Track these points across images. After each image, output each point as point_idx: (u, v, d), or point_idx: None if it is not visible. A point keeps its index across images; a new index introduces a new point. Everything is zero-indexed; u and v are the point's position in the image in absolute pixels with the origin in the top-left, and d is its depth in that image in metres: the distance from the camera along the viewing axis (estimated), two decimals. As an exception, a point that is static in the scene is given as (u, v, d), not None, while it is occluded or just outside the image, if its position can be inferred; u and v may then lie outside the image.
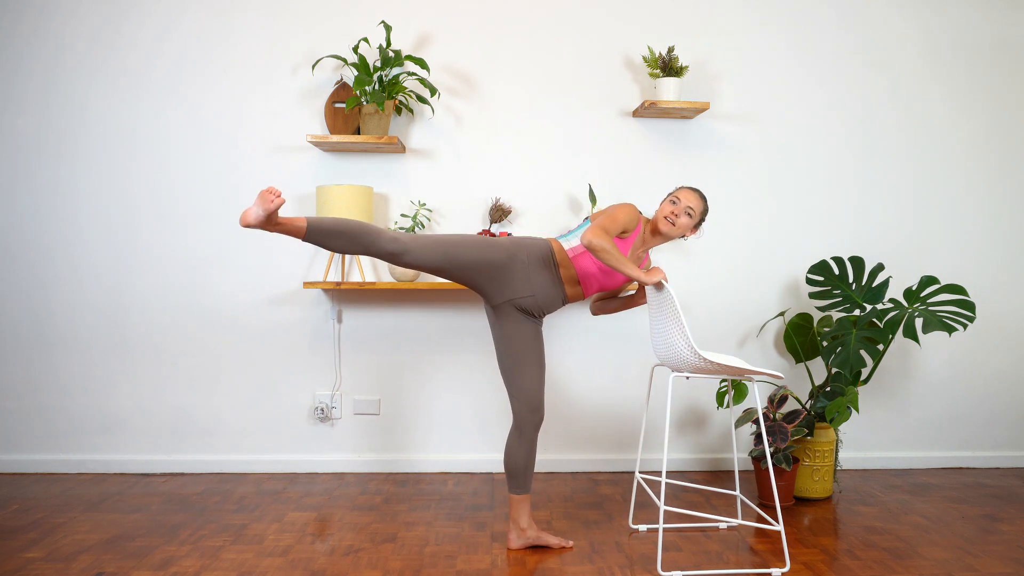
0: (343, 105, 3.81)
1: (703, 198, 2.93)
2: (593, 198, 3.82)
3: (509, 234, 3.79)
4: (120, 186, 3.89)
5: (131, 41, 3.86)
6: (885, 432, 4.15)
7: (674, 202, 2.89)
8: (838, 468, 3.83)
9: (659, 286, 2.78)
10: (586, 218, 2.94)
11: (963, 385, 4.17)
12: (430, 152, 3.94)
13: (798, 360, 3.88)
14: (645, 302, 3.04)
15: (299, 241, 3.91)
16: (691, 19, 3.98)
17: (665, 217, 2.89)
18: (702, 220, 2.96)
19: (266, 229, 2.57)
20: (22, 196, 3.87)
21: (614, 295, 3.15)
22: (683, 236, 2.94)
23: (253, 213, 2.50)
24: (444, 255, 2.75)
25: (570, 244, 2.89)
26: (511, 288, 2.84)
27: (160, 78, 3.87)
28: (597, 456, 4.04)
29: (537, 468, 3.96)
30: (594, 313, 3.19)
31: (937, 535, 3.15)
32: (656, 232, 2.93)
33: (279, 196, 2.48)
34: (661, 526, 2.74)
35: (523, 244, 2.88)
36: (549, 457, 4.00)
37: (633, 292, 3.11)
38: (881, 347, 3.66)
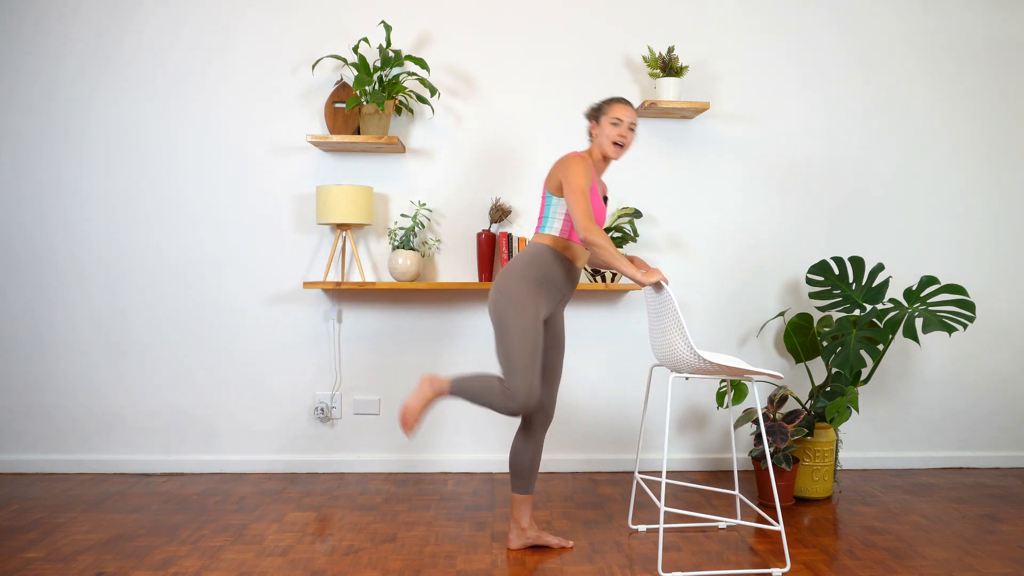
0: (343, 105, 3.81)
1: (632, 104, 2.89)
2: (593, 198, 3.82)
3: (509, 234, 3.79)
4: (120, 186, 3.89)
5: (133, 42, 3.86)
6: (885, 432, 4.15)
7: (616, 123, 2.82)
8: (838, 468, 3.83)
9: (658, 287, 2.77)
10: (547, 193, 2.85)
11: (963, 385, 4.17)
12: (430, 152, 3.94)
13: (798, 360, 3.88)
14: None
15: (299, 242, 3.92)
16: (691, 20, 3.99)
17: (615, 143, 2.83)
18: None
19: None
20: (24, 197, 3.87)
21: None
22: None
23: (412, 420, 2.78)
24: (533, 358, 2.72)
25: (556, 227, 2.83)
26: (551, 303, 2.85)
27: (161, 78, 3.87)
28: (597, 456, 4.04)
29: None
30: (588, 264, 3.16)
31: (937, 535, 3.15)
32: (605, 159, 2.89)
33: (410, 429, 2.79)
34: (661, 526, 2.74)
35: (527, 263, 2.81)
36: (549, 457, 4.00)
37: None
38: (881, 347, 3.66)
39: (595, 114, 2.88)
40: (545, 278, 2.80)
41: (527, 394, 2.68)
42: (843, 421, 3.53)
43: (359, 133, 3.82)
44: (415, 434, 2.90)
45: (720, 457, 4.07)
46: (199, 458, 3.95)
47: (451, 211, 3.95)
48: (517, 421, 3.97)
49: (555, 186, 2.83)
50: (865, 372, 3.89)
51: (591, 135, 2.91)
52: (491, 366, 3.96)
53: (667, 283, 2.75)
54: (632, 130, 2.85)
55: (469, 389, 2.77)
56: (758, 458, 3.51)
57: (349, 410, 3.98)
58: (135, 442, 3.94)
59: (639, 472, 3.97)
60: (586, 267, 3.81)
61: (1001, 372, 4.18)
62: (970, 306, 3.54)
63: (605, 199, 3.00)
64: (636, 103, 3.96)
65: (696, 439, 4.08)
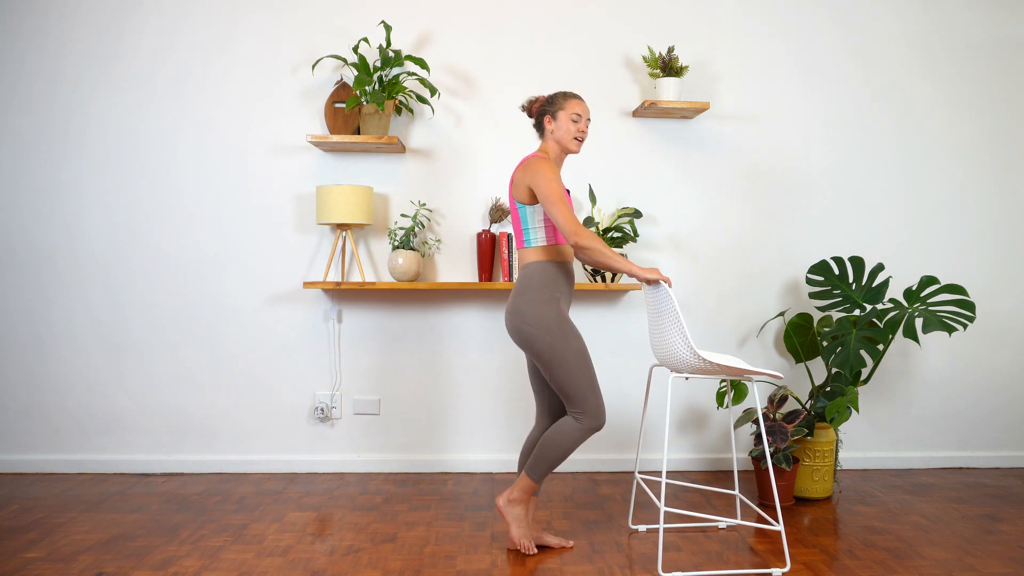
0: (343, 105, 3.81)
1: (583, 98, 2.89)
2: (593, 198, 3.82)
3: (509, 234, 3.79)
4: (121, 186, 3.89)
5: (133, 42, 3.86)
6: (885, 432, 4.15)
7: (575, 119, 2.81)
8: (838, 468, 3.83)
9: (655, 283, 2.77)
10: (519, 205, 2.80)
11: (963, 385, 4.17)
12: (430, 152, 3.94)
13: (798, 360, 3.88)
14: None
15: (299, 242, 3.92)
16: (691, 20, 3.99)
17: (576, 139, 2.83)
18: None
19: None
20: (24, 197, 3.87)
21: None
22: None
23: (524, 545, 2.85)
24: (591, 383, 2.76)
25: (540, 238, 2.81)
26: (568, 306, 2.88)
27: (161, 78, 3.87)
28: (597, 456, 4.04)
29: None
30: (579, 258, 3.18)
31: (937, 535, 3.15)
32: (566, 152, 2.88)
33: (534, 546, 2.87)
34: (661, 526, 2.74)
35: (540, 285, 2.79)
36: (549, 457, 4.00)
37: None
38: (881, 347, 3.66)
39: (549, 108, 2.84)
40: (558, 290, 2.81)
41: (600, 408, 2.76)
42: (843, 421, 3.53)
43: (359, 133, 3.82)
44: (536, 543, 2.96)
45: (720, 457, 4.07)
46: (199, 458, 3.95)
47: (451, 211, 3.95)
48: (517, 421, 3.97)
49: (524, 194, 2.78)
50: (865, 372, 3.89)
51: (544, 130, 2.86)
52: (492, 366, 3.96)
53: (668, 283, 2.73)
54: (589, 121, 2.86)
55: (550, 459, 2.80)
56: (758, 458, 3.51)
57: (349, 410, 3.98)
58: (135, 442, 3.94)
59: (639, 472, 3.97)
60: (585, 267, 3.81)
61: (1001, 372, 4.18)
62: (970, 306, 3.54)
63: (567, 191, 2.97)
64: (636, 103, 3.97)
65: (696, 439, 4.08)
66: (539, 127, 2.89)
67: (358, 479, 3.86)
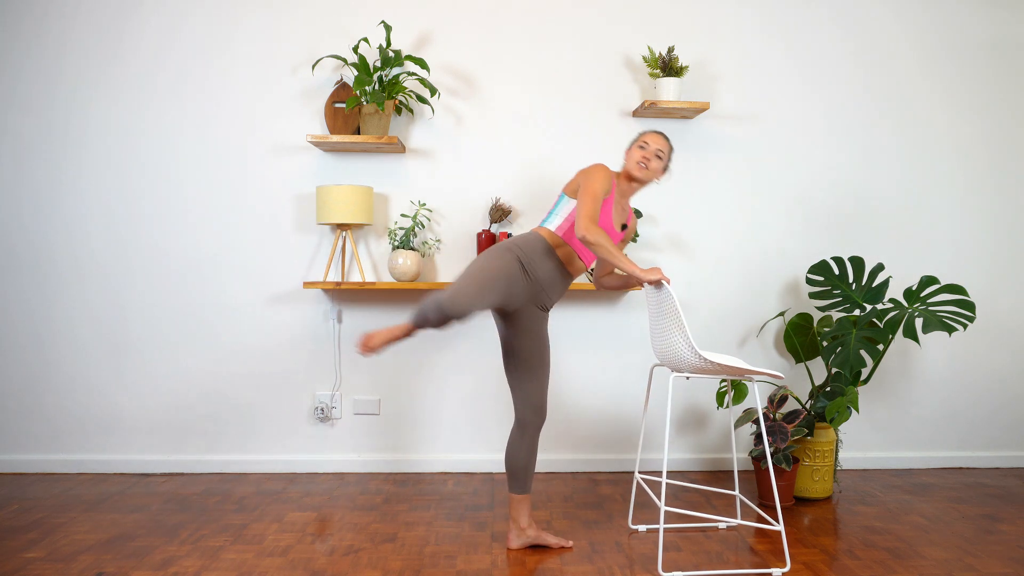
0: (343, 105, 3.81)
1: (668, 139, 2.96)
2: (593, 198, 3.81)
3: (509, 234, 3.79)
4: (121, 186, 3.89)
5: (133, 42, 3.86)
6: (885, 432, 4.15)
7: (643, 147, 2.91)
8: (838, 468, 3.83)
9: (657, 285, 2.77)
10: (561, 195, 2.91)
11: (963, 385, 4.17)
12: (430, 152, 3.94)
13: (798, 360, 3.88)
14: (640, 286, 3.04)
15: (299, 242, 3.92)
16: (691, 20, 3.99)
17: (638, 163, 2.89)
18: (670, 161, 2.99)
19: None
20: (25, 196, 3.87)
21: (612, 269, 3.15)
22: (656, 179, 2.98)
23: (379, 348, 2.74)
24: (479, 286, 2.70)
25: (555, 224, 2.87)
26: (529, 290, 2.83)
27: (161, 78, 3.87)
28: (597, 456, 4.04)
29: (537, 468, 3.96)
30: (596, 287, 3.20)
31: (937, 535, 3.15)
32: (631, 179, 2.94)
33: (368, 349, 2.72)
34: (661, 526, 2.74)
35: (518, 244, 2.86)
36: (549, 457, 4.00)
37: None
38: (881, 347, 3.66)
39: (632, 143, 2.96)
40: (528, 260, 2.81)
41: (452, 299, 2.63)
42: (843, 421, 3.53)
43: (359, 133, 3.82)
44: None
45: (720, 457, 4.07)
46: (199, 458, 3.95)
47: (451, 211, 3.95)
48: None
49: (572, 189, 2.89)
50: (865, 372, 3.89)
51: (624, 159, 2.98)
52: (492, 366, 3.96)
53: (669, 283, 2.74)
54: (660, 157, 2.91)
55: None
56: (758, 458, 3.51)
57: (349, 410, 3.98)
58: (135, 442, 3.94)
59: (639, 472, 3.97)
60: (589, 276, 3.80)
61: (1001, 372, 4.18)
62: (970, 306, 3.54)
63: (624, 226, 3.02)
64: (636, 103, 3.96)
65: (696, 439, 4.08)
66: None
67: (358, 479, 3.86)
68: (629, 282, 3.09)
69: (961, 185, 4.12)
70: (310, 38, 3.89)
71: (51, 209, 3.88)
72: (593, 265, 3.24)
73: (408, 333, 2.75)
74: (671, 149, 2.97)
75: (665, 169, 2.97)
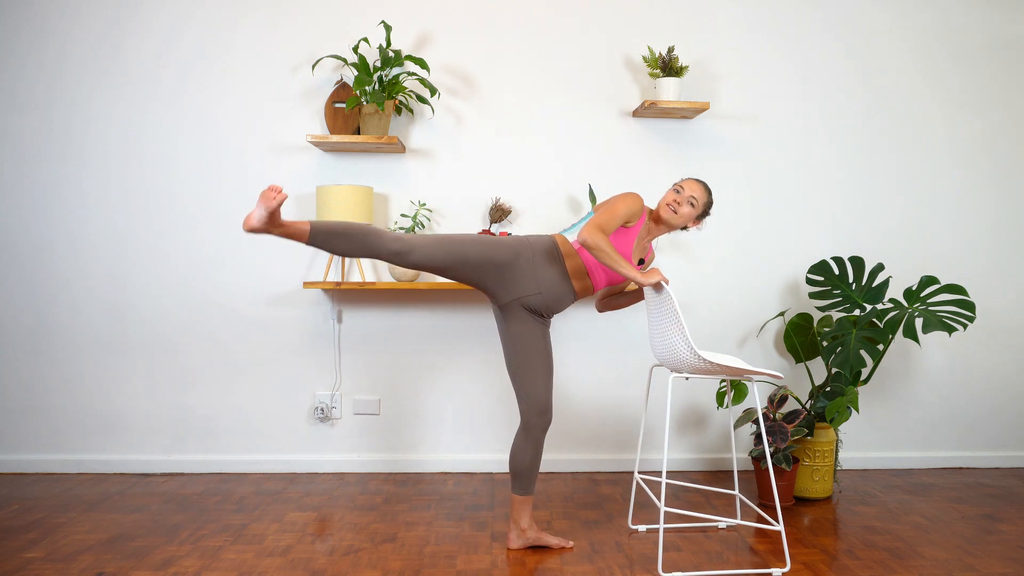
0: (343, 105, 3.81)
1: (708, 190, 2.91)
2: (593, 198, 3.82)
3: (509, 234, 3.79)
4: (121, 186, 3.89)
5: (134, 42, 3.86)
6: (885, 432, 4.15)
7: (678, 191, 2.87)
8: (838, 468, 3.83)
9: (657, 287, 2.77)
10: (589, 212, 2.93)
11: (963, 385, 4.17)
12: (430, 152, 3.94)
13: (798, 360, 3.88)
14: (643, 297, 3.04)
15: (301, 243, 3.91)
16: (691, 19, 3.99)
17: (667, 204, 2.87)
18: (706, 212, 2.93)
19: (270, 232, 2.58)
20: (25, 196, 3.87)
21: (622, 290, 3.14)
22: (685, 227, 2.93)
23: (256, 215, 2.52)
24: (448, 253, 2.74)
25: (573, 237, 2.89)
26: (517, 286, 2.82)
27: (162, 79, 3.87)
28: (597, 456, 4.04)
29: (537, 468, 3.96)
30: (600, 310, 3.18)
31: (937, 535, 3.15)
32: (658, 220, 2.92)
33: (280, 192, 2.48)
34: (661, 526, 2.74)
35: (527, 241, 2.88)
36: (549, 457, 4.00)
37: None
38: (881, 347, 3.66)
39: (673, 185, 2.94)
40: (532, 254, 2.83)
41: (404, 239, 2.69)
42: (843, 421, 3.53)
43: (359, 133, 3.82)
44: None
45: (720, 457, 4.07)
46: (199, 458, 3.95)
47: (451, 211, 3.95)
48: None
49: (599, 207, 2.87)
50: (865, 372, 3.89)
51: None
52: (491, 365, 3.96)
53: (667, 283, 2.75)
54: (692, 205, 2.86)
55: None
56: (758, 458, 3.51)
57: (349, 410, 3.98)
58: (135, 442, 3.94)
59: (639, 472, 3.97)
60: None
61: (1001, 372, 4.18)
62: (970, 306, 3.54)
63: (641, 261, 3.00)
64: (636, 103, 3.96)
65: (696, 439, 4.08)
66: None
67: (358, 479, 3.86)
68: (638, 296, 3.09)
69: (961, 184, 4.12)
70: (310, 38, 3.89)
71: (52, 209, 3.88)
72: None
73: (294, 236, 2.63)
74: (708, 199, 2.90)
75: (699, 219, 2.93)
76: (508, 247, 2.83)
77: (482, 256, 2.78)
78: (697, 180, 2.92)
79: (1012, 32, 4.11)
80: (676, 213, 2.86)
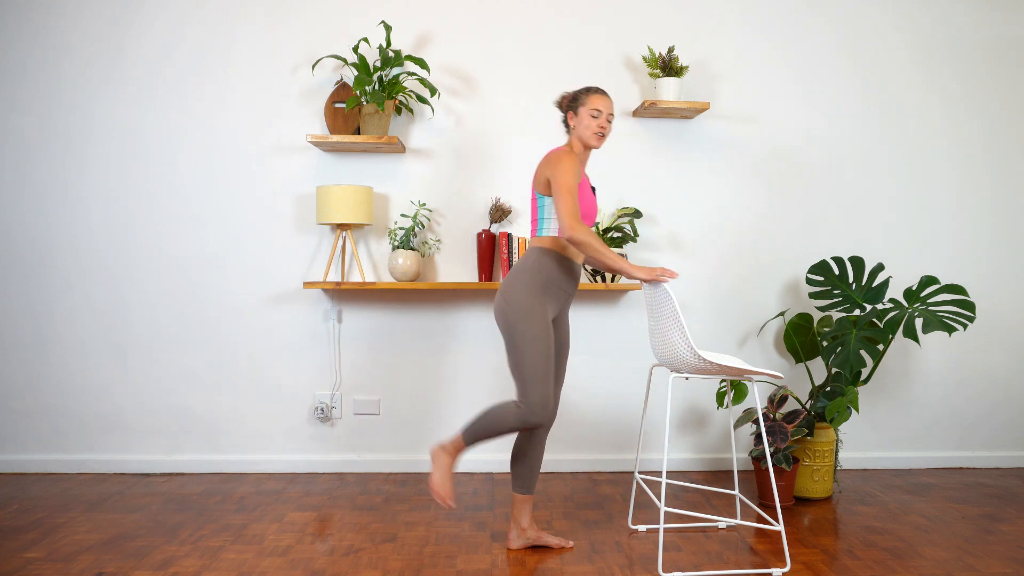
0: (343, 105, 3.81)
1: (608, 93, 2.88)
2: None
3: (509, 234, 3.79)
4: (121, 186, 3.89)
5: (135, 43, 3.86)
6: (885, 432, 4.15)
7: (595, 115, 2.82)
8: (838, 468, 3.83)
9: (649, 282, 2.76)
10: (538, 195, 2.84)
11: (963, 385, 4.17)
12: (430, 152, 3.95)
13: (798, 360, 3.88)
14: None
15: (299, 242, 3.92)
16: (691, 19, 3.99)
17: (595, 134, 2.83)
18: None
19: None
20: (26, 196, 3.87)
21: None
22: None
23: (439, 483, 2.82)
24: (548, 367, 2.76)
25: (553, 227, 2.83)
26: (558, 302, 2.87)
27: (162, 79, 3.88)
28: (597, 456, 4.04)
29: (537, 468, 3.97)
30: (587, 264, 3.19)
31: (937, 535, 3.15)
32: (587, 148, 2.88)
33: (451, 499, 2.82)
34: (661, 526, 2.74)
35: (537, 277, 2.80)
36: (549, 457, 4.00)
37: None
38: (881, 347, 3.66)
39: (572, 104, 2.87)
40: (550, 281, 2.81)
41: (543, 405, 2.74)
42: (843, 421, 3.53)
43: (359, 133, 3.82)
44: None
45: (720, 457, 4.07)
46: (199, 458, 3.95)
47: (451, 211, 3.95)
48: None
49: (543, 186, 2.82)
50: (865, 372, 3.89)
51: (568, 126, 2.89)
52: (491, 366, 3.96)
53: (675, 276, 2.72)
54: (610, 121, 2.86)
55: (482, 429, 2.82)
56: (758, 458, 3.51)
57: (349, 410, 3.98)
58: (135, 442, 3.94)
59: (639, 472, 3.97)
60: (585, 267, 3.80)
61: (1001, 372, 4.18)
62: (970, 306, 3.54)
63: (593, 189, 3.00)
64: (636, 103, 3.97)
65: (696, 439, 4.08)
66: (565, 123, 2.91)
67: (358, 479, 3.86)
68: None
69: (960, 184, 4.12)
70: (310, 38, 3.89)
71: (53, 209, 3.88)
72: None
73: (459, 453, 2.86)
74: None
75: None
76: (537, 312, 2.77)
77: (549, 338, 2.77)
78: (603, 93, 2.85)
79: (1012, 33, 4.12)
80: (605, 136, 2.85)
